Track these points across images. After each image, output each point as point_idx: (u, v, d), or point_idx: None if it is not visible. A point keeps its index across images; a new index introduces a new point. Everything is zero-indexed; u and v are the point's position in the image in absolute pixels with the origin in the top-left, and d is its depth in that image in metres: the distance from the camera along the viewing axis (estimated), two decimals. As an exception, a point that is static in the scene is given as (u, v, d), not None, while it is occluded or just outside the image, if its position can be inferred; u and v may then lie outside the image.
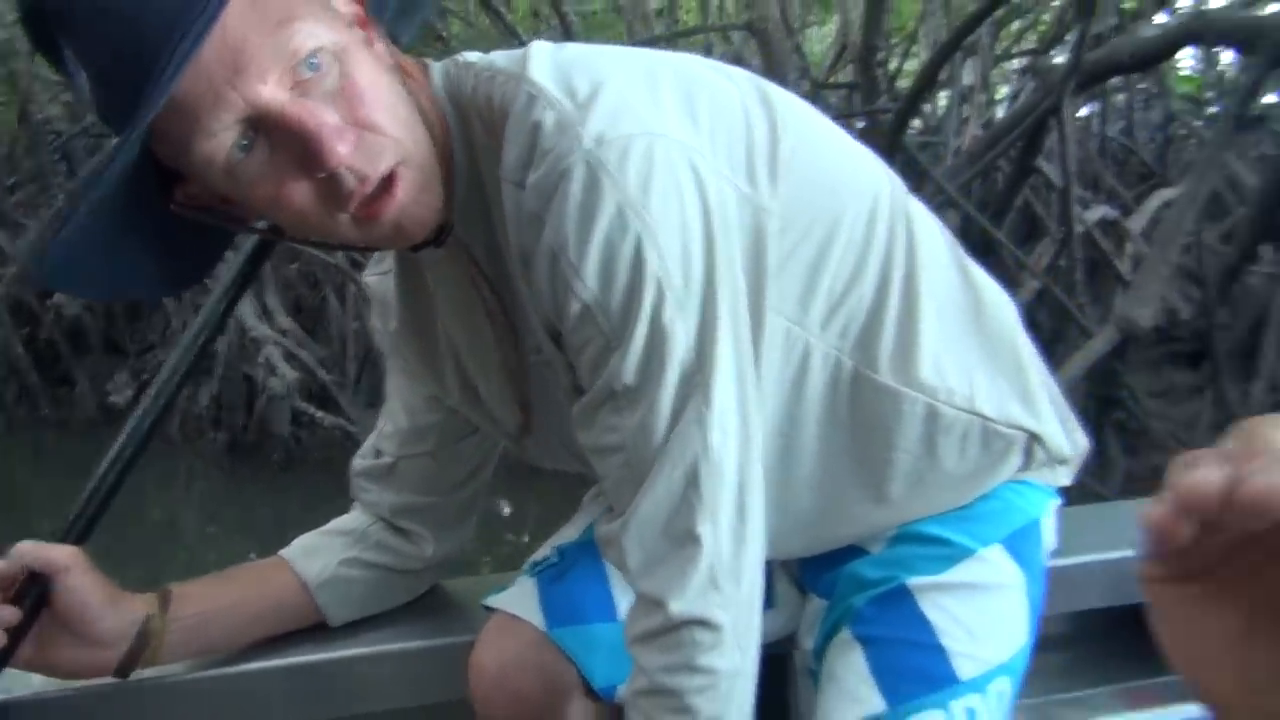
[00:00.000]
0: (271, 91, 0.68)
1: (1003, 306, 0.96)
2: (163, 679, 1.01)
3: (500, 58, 0.82)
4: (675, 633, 0.77)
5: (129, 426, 0.93)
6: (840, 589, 0.96)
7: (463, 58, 0.83)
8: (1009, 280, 4.97)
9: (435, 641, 1.09)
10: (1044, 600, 0.98)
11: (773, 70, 5.44)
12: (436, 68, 0.83)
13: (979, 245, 5.08)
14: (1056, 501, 1.01)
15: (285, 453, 5.03)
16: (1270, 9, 4.85)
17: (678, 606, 0.76)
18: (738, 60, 7.12)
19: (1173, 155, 5.68)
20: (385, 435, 1.05)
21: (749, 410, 0.79)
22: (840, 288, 0.86)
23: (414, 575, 1.10)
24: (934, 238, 0.93)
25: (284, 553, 1.06)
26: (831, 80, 6.92)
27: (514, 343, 0.89)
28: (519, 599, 1.01)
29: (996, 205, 4.90)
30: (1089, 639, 1.43)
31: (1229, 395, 3.81)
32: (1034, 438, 0.94)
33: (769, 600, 1.00)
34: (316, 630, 1.07)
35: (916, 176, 5.29)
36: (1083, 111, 6.25)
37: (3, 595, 0.85)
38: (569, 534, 1.07)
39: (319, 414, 4.98)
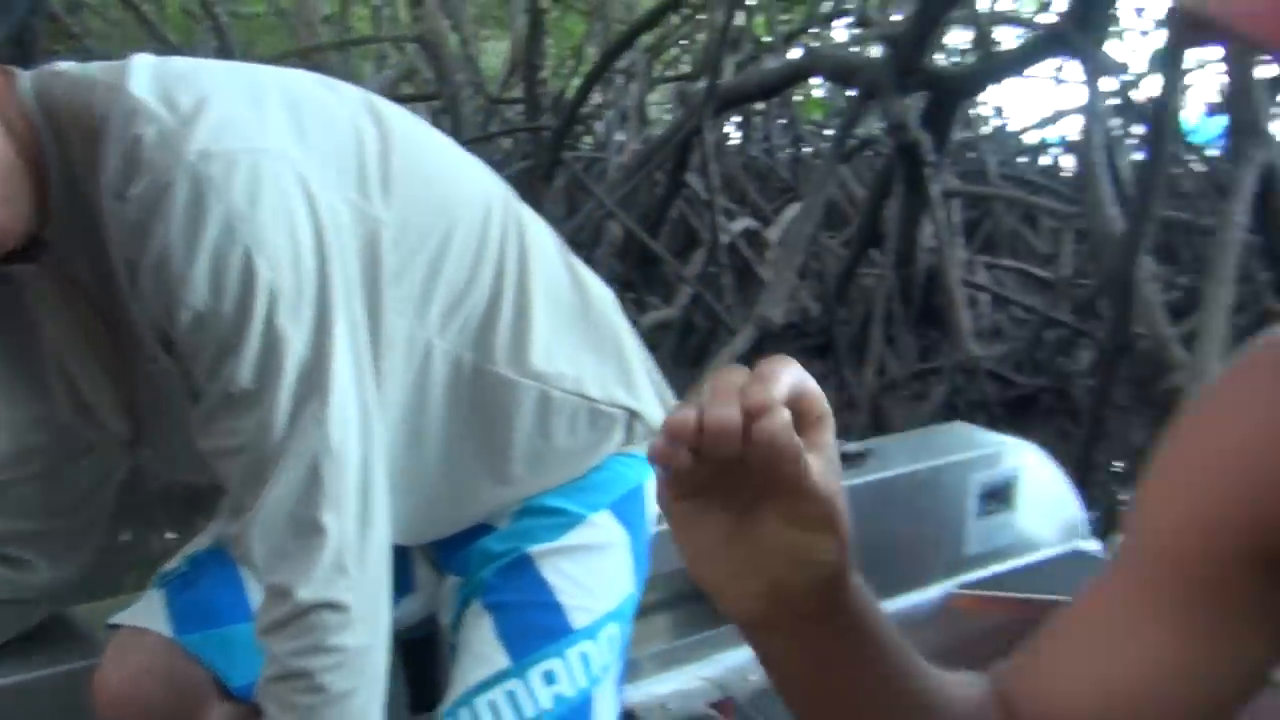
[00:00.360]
0: None
1: (607, 300, 1.08)
2: None
3: (98, 68, 0.82)
4: (304, 618, 0.81)
5: None
6: (471, 565, 1.04)
7: (56, 66, 0.82)
8: (668, 287, 5.44)
9: (55, 670, 1.05)
10: (649, 554, 1.11)
11: (444, 83, 5.55)
12: (25, 75, 0.81)
13: (639, 256, 5.50)
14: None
15: None
16: (873, 50, 5.65)
17: (305, 593, 0.80)
18: (411, 73, 7.16)
19: (803, 172, 6.43)
20: None
21: (369, 405, 0.84)
22: (457, 291, 0.92)
23: (25, 605, 1.05)
24: (544, 241, 1.02)
25: None
26: (506, 95, 7.14)
27: (124, 353, 0.89)
28: (144, 612, 1.01)
29: (654, 218, 5.32)
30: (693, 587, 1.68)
31: (848, 380, 4.42)
32: (635, 415, 1.05)
33: (409, 584, 1.10)
34: None
35: (581, 191, 5.63)
36: (733, 132, 6.93)
37: None
38: (201, 542, 1.07)
39: None
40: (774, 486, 0.45)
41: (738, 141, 6.96)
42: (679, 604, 1.64)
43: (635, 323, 4.40)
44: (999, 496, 1.78)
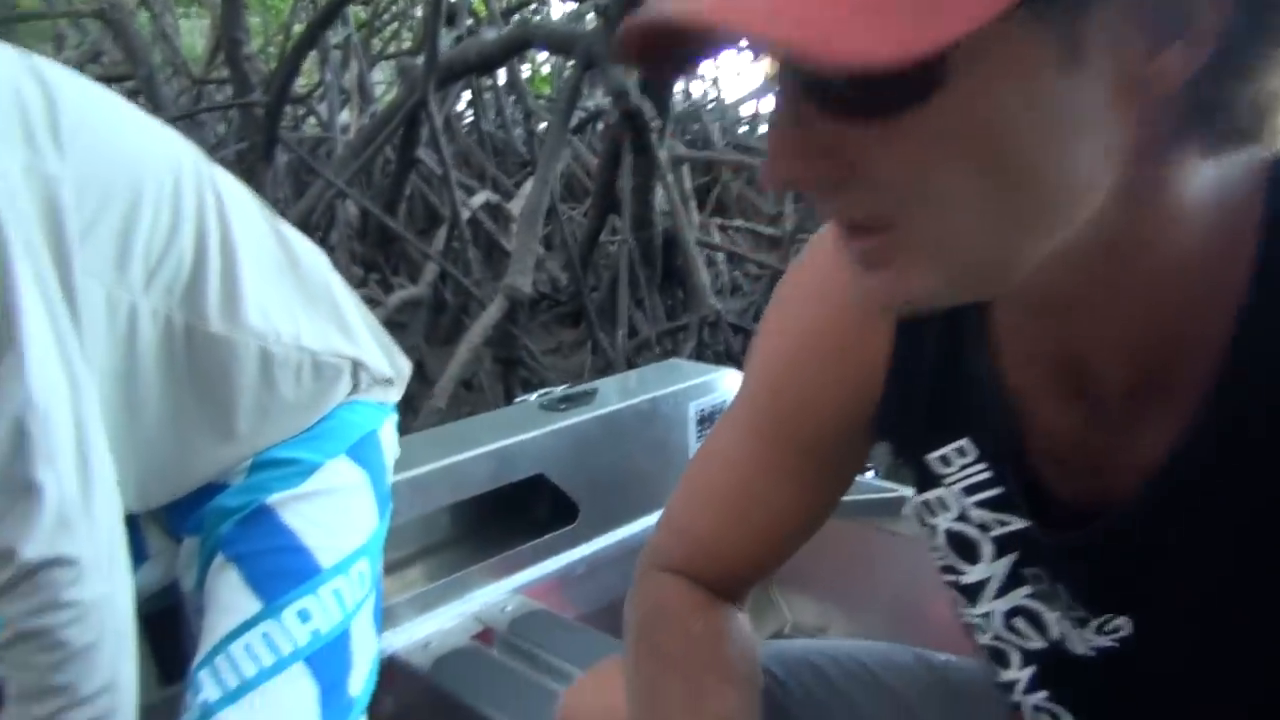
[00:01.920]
0: None
1: (315, 255, 1.10)
2: None
3: None
4: (32, 577, 0.79)
5: None
6: (208, 523, 1.03)
7: None
8: (412, 265, 5.29)
9: None
10: (390, 491, 1.14)
11: (136, 62, 5.06)
12: None
13: (379, 236, 5.30)
14: (391, 415, 1.18)
15: None
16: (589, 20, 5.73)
17: (29, 551, 0.79)
18: (97, 54, 6.47)
19: (539, 146, 6.46)
20: None
21: (74, 361, 0.83)
22: (157, 251, 0.91)
23: None
24: (244, 202, 1.03)
25: None
26: (213, 75, 6.63)
27: None
28: None
29: (389, 196, 5.14)
30: (451, 528, 1.71)
31: (602, 344, 4.49)
32: (358, 364, 1.08)
33: (143, 552, 1.06)
34: None
35: (309, 173, 5.33)
36: (462, 107, 6.81)
37: None
38: None
39: None
40: None
41: (471, 119, 6.85)
42: (432, 550, 1.72)
43: (382, 304, 4.27)
44: (712, 422, 1.92)
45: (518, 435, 1.68)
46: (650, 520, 1.77)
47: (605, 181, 4.71)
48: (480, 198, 5.48)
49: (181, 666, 1.05)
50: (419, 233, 5.38)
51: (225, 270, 0.96)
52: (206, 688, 0.95)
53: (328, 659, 0.99)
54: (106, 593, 0.83)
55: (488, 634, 1.58)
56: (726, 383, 1.99)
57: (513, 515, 1.76)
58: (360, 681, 1.03)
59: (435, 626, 1.57)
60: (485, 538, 1.73)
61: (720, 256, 5.21)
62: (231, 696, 0.94)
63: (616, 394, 1.88)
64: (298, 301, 1.04)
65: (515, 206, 5.90)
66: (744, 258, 5.22)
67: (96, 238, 0.87)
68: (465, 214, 4.86)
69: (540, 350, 4.75)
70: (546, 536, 1.75)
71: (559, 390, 1.89)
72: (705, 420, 1.95)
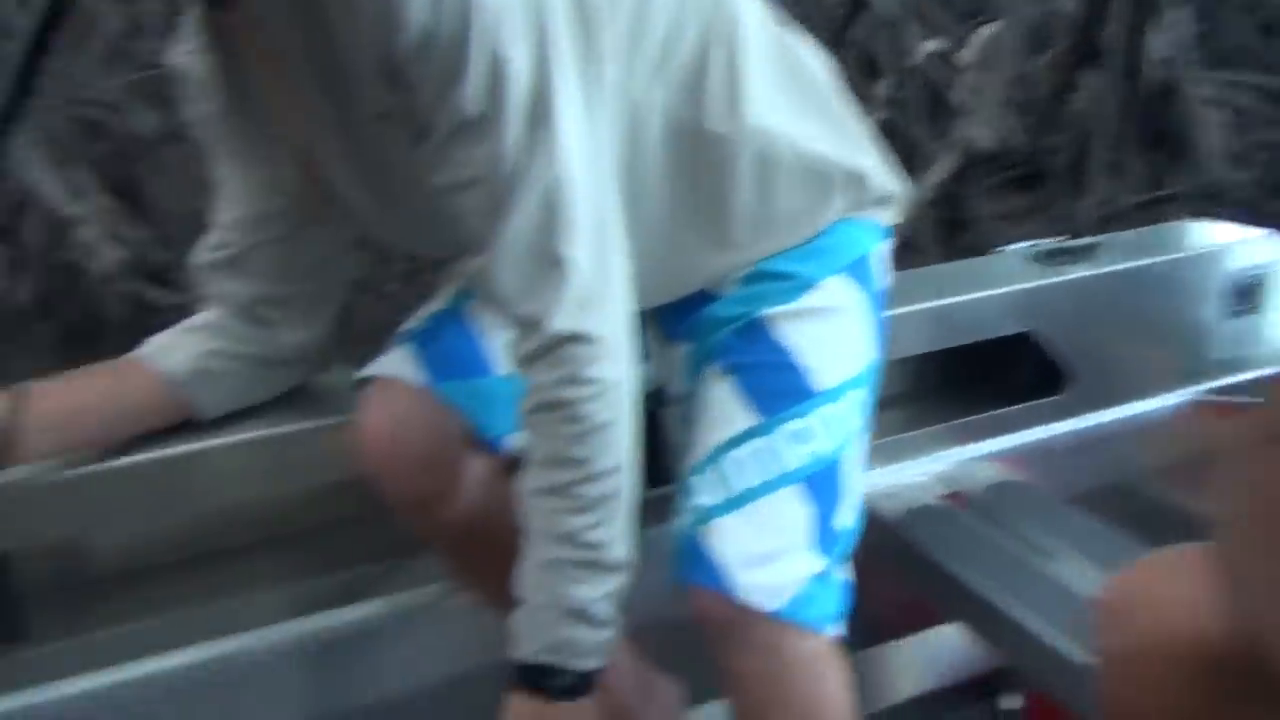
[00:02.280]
0: None
1: (817, 59, 1.03)
2: (29, 479, 0.96)
3: None
4: (557, 350, 0.80)
5: None
6: (701, 330, 1.01)
7: None
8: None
9: (312, 424, 1.07)
10: (883, 324, 1.07)
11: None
12: None
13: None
14: (887, 239, 1.08)
15: (124, 337, 4.74)
16: None
17: (555, 323, 0.80)
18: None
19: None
20: (225, 225, 1.02)
21: (599, 135, 0.82)
22: (664, 45, 0.89)
23: (281, 366, 1.08)
24: (751, 1, 0.98)
25: (138, 353, 1.03)
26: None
27: (344, 107, 0.86)
28: (394, 363, 1.00)
29: (831, 42, 4.93)
30: (919, 380, 1.59)
31: (1065, 211, 4.05)
32: (858, 176, 1.00)
33: (643, 351, 1.06)
34: (185, 425, 1.04)
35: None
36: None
37: None
38: (435, 305, 1.08)
39: (156, 294, 4.69)
40: None
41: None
42: (898, 401, 1.58)
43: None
44: (1247, 296, 1.63)
45: (1004, 287, 1.49)
46: (1157, 403, 1.59)
47: (1090, 19, 4.10)
48: (929, 46, 5.10)
49: (659, 471, 1.05)
50: (858, 82, 5.15)
51: (729, 68, 0.93)
52: (703, 492, 0.94)
53: (821, 485, 0.95)
54: (622, 375, 0.84)
55: (958, 497, 1.47)
56: (1268, 251, 1.64)
57: (989, 375, 1.59)
58: (847, 517, 0.99)
59: (898, 480, 1.46)
60: (956, 396, 1.60)
61: (1223, 117, 4.39)
62: (731, 504, 0.93)
63: (1125, 251, 1.61)
64: (801, 108, 0.99)
65: (966, 55, 5.46)
66: (1257, 119, 4.36)
67: (612, 26, 0.85)
68: (912, 63, 4.53)
69: (988, 215, 4.39)
70: (1028, 404, 1.56)
71: (1049, 242, 1.66)
72: (1243, 294, 1.61)
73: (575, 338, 0.80)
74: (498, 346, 1.02)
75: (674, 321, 1.06)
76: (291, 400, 1.11)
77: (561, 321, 0.80)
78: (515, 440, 0.95)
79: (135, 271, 4.71)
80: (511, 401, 0.87)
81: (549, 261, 0.80)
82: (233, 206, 1.02)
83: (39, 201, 4.81)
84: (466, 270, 1.07)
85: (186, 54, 0.96)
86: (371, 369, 1.01)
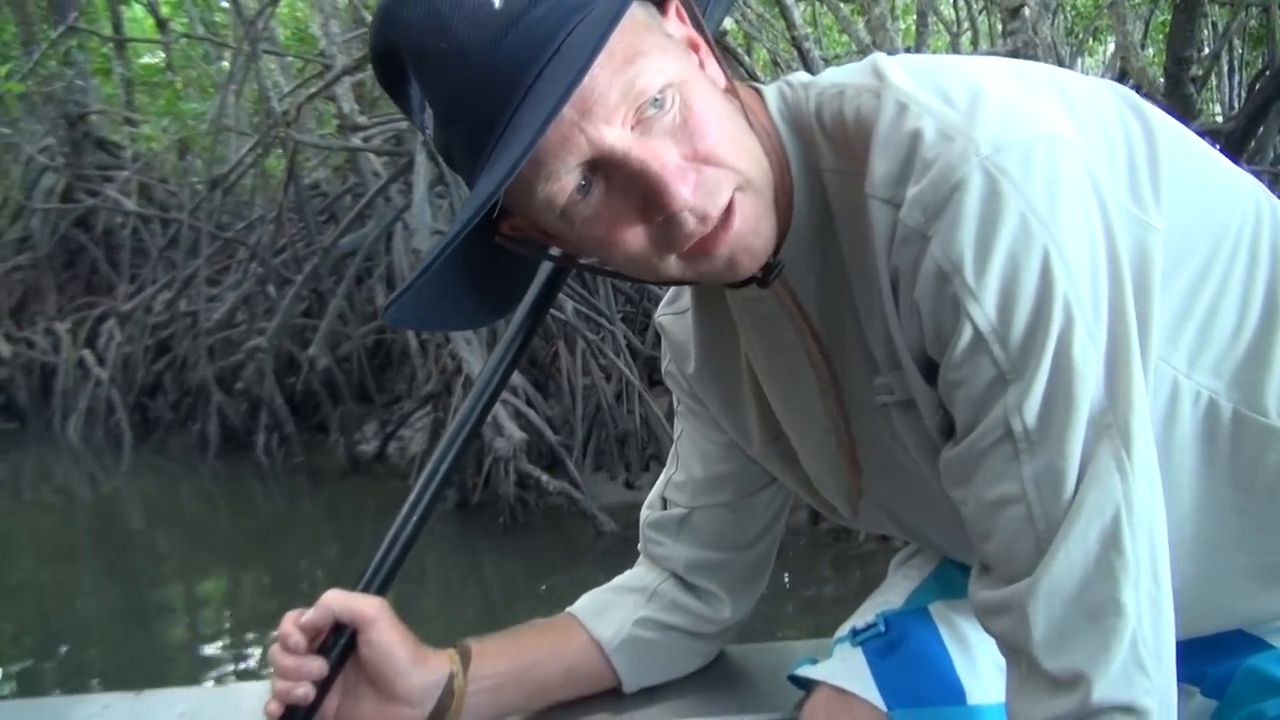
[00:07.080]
0: (617, 134, 0.64)
1: None
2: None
3: (840, 73, 0.76)
4: (1096, 718, 0.65)
5: (427, 472, 0.88)
6: (1237, 689, 0.84)
7: (797, 77, 0.77)
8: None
9: (743, 717, 1.00)
10: None
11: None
12: (770, 90, 0.77)
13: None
14: None
15: (510, 516, 4.69)
16: None
17: (1099, 690, 0.64)
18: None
19: None
20: (676, 484, 0.99)
21: (1154, 455, 0.68)
22: (1207, 317, 0.75)
23: (707, 639, 1.03)
24: None
25: (573, 610, 1.00)
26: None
27: (837, 390, 0.82)
28: (848, 672, 0.92)
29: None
30: None
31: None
32: None
33: None
34: (608, 696, 1.00)
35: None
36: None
37: (310, 645, 0.83)
38: (891, 601, 0.97)
39: (544, 477, 4.65)
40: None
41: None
42: None
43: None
44: None
45: None
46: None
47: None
48: None
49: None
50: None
51: (1273, 343, 0.75)
52: None
53: None
54: None
55: None
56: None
57: None
58: None
59: None
60: None
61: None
62: None
63: None
64: None
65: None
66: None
67: (1165, 301, 0.72)
68: None
69: None
70: None
71: None
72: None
73: (1123, 709, 0.64)
74: (977, 665, 0.89)
75: (1196, 664, 0.82)
76: (711, 681, 1.04)
77: (1110, 689, 0.64)
78: None
79: (530, 451, 4.84)
80: None
81: (1102, 609, 0.65)
82: (688, 466, 0.98)
83: (468, 372, 4.67)
84: (933, 555, 0.97)
85: (671, 314, 0.94)
86: (817, 671, 0.93)
